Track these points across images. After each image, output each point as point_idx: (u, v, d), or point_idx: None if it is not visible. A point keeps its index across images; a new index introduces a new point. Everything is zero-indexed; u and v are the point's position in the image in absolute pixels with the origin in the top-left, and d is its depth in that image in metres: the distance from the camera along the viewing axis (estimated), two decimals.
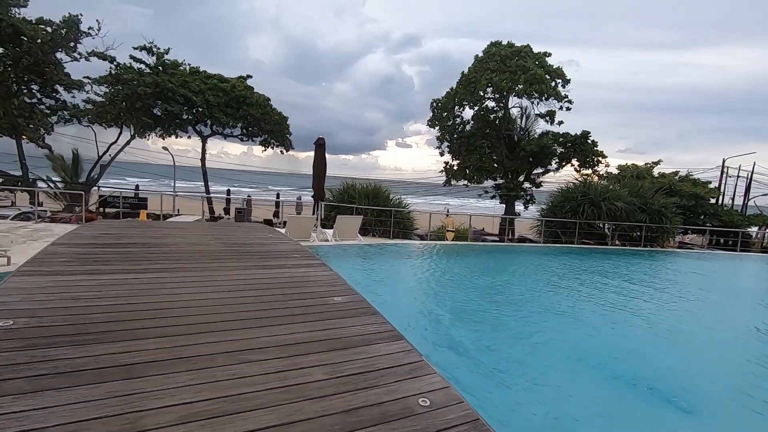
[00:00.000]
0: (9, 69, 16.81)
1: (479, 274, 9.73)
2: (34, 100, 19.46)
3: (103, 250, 4.63)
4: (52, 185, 20.16)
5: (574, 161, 25.07)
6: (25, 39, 15.78)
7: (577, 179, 20.19)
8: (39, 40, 16.02)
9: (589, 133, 24.31)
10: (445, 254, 11.82)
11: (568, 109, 24.93)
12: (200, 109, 21.84)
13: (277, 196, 27.46)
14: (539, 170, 25.30)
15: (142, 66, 20.30)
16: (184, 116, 22.18)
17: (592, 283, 9.49)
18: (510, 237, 22.34)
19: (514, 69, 22.99)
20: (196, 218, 16.69)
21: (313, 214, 12.03)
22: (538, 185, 24.90)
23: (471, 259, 11.57)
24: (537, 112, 24.79)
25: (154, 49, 20.18)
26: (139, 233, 5.82)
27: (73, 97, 19.88)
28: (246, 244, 5.71)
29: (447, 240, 13.89)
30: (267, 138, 25.70)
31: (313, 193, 11.92)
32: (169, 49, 20.68)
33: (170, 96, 19.62)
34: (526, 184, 24.82)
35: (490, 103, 24.45)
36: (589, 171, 25.19)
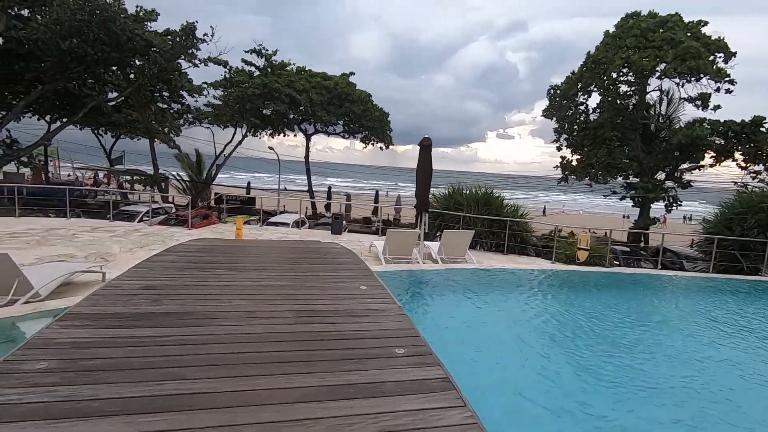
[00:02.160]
0: (143, 77, 17.54)
1: (657, 333, 6.41)
2: (165, 106, 20.47)
3: (113, 339, 2.87)
4: (181, 183, 21.19)
5: (738, 155, 18.93)
6: (154, 50, 16.10)
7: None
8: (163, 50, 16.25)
9: (764, 119, 18.01)
10: (584, 289, 8.64)
11: (728, 91, 18.92)
12: (304, 108, 21.08)
13: (376, 196, 25.87)
14: (685, 166, 19.69)
15: (252, 68, 20.05)
16: (291, 116, 21.71)
17: None
18: (644, 247, 17.66)
19: (660, 44, 17.84)
20: (297, 217, 15.79)
21: (416, 227, 9.80)
22: (686, 185, 19.29)
23: (626, 300, 8.11)
24: (683, 95, 19.19)
25: (263, 51, 19.74)
26: (194, 282, 4.11)
27: (196, 101, 20.50)
28: (327, 312, 3.62)
29: (579, 260, 10.58)
30: (368, 134, 24.34)
31: (416, 202, 9.69)
32: (276, 50, 20.10)
33: (276, 96, 19.01)
34: (669, 183, 19.40)
35: (624, 87, 19.49)
36: (760, 167, 18.83)
